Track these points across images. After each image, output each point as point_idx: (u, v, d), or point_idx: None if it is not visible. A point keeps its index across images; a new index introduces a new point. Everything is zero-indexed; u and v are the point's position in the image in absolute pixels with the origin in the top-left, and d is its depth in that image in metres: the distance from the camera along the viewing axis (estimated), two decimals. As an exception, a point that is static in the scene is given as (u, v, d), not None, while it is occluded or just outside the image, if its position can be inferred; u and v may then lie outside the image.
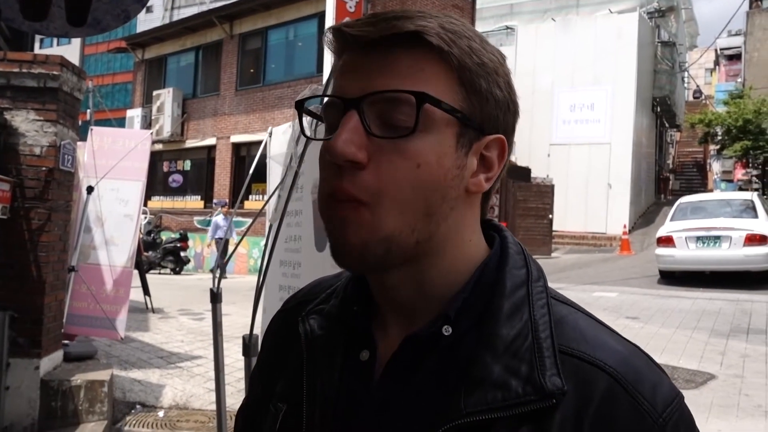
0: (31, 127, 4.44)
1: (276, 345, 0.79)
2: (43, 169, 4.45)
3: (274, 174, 2.67)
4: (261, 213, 2.40)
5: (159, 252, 14.88)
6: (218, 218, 14.20)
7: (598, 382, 0.57)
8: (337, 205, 0.59)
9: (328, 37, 0.65)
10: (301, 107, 0.67)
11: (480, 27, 22.03)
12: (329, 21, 12.25)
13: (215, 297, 2.51)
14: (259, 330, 2.03)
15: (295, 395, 0.68)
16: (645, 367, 0.60)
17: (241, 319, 6.88)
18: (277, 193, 2.20)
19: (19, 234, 4.40)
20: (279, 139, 2.68)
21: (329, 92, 0.64)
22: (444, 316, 0.63)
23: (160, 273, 14.64)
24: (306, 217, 2.13)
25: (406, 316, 0.66)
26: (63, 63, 4.50)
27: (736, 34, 36.10)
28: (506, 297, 0.62)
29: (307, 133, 0.71)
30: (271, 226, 2.26)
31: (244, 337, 1.99)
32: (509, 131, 0.67)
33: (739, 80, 32.26)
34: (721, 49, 39.24)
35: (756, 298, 9.62)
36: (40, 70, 4.38)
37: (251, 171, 3.16)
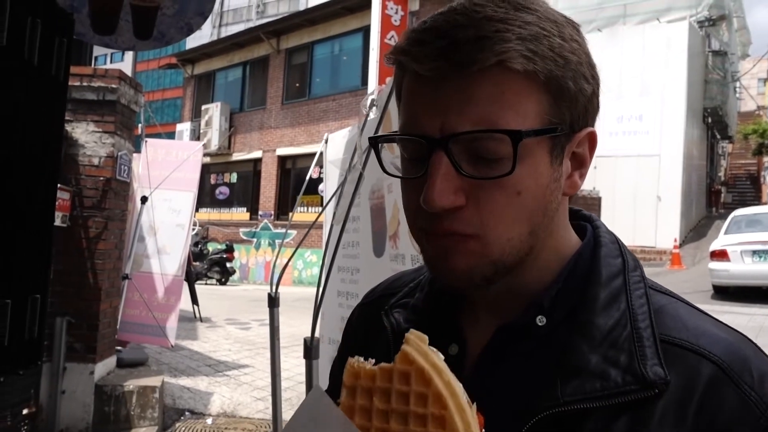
0: (90, 139, 4.60)
1: (358, 336, 0.81)
2: (101, 179, 4.60)
3: (331, 179, 2.69)
4: (317, 222, 2.42)
5: (205, 263, 15.14)
6: None
7: (701, 371, 0.56)
8: (435, 237, 0.60)
9: (394, 54, 0.62)
10: (375, 143, 0.67)
11: (524, 39, 21.87)
12: (374, 34, 12.36)
13: (273, 301, 2.53)
14: (318, 334, 2.04)
15: None
16: (753, 356, 0.58)
17: (288, 329, 6.94)
18: (335, 198, 2.21)
19: (77, 242, 4.55)
20: (336, 144, 2.70)
21: (397, 120, 0.64)
22: (537, 305, 0.64)
23: (206, 283, 14.89)
24: (364, 223, 2.14)
25: (497, 311, 0.67)
26: (121, 77, 4.66)
27: (792, 42, 34.97)
28: (602, 286, 0.62)
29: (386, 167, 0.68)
30: (330, 232, 2.27)
31: (305, 340, 2.00)
32: (596, 116, 0.67)
33: (795, 89, 31.13)
34: (775, 57, 38.01)
35: (818, 315, 9.20)
36: (99, 84, 4.55)
37: (307, 179, 3.19)
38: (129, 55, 30.94)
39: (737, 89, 31.44)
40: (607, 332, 0.59)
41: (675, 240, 18.86)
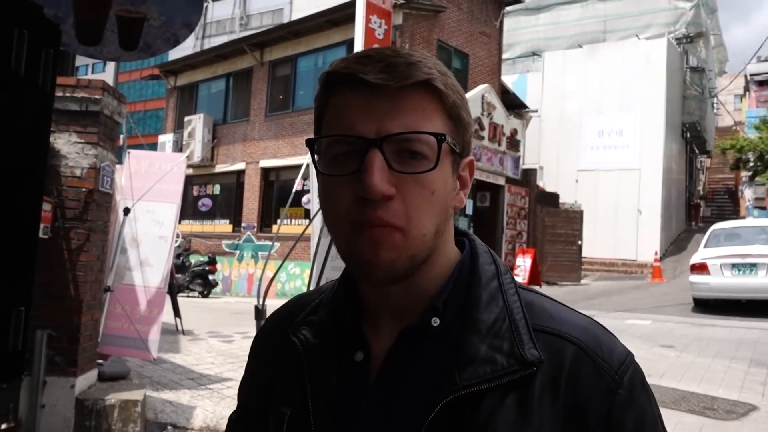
0: (72, 149, 4.56)
1: (268, 357, 0.85)
2: (83, 190, 4.55)
3: (318, 191, 2.70)
4: (304, 234, 2.41)
5: (188, 275, 15.01)
6: None
7: (566, 351, 0.69)
8: (368, 230, 0.67)
9: (335, 75, 0.71)
10: (312, 145, 0.74)
11: (507, 54, 22.15)
12: (358, 48, 12.42)
13: (260, 314, 2.52)
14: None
15: (297, 398, 0.75)
16: (601, 335, 0.72)
17: (271, 341, 6.85)
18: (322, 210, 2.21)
19: (58, 254, 4.49)
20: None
21: (330, 128, 0.72)
22: (433, 308, 0.73)
23: (188, 296, 14.75)
24: (352, 235, 2.14)
25: (396, 316, 0.75)
26: (105, 87, 4.63)
27: (766, 60, 35.70)
28: (483, 288, 0.74)
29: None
30: (318, 244, 2.27)
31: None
32: (471, 149, 0.79)
33: (770, 106, 31.76)
34: (751, 75, 38.81)
35: (795, 327, 9.34)
36: (82, 94, 4.51)
37: (293, 192, 3.18)
38: (111, 66, 30.74)
39: (715, 105, 32.03)
40: (491, 325, 0.70)
41: (656, 253, 19.07)
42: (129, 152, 6.07)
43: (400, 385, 0.71)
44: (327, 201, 0.72)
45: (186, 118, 19.46)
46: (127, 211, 5.76)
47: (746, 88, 41.92)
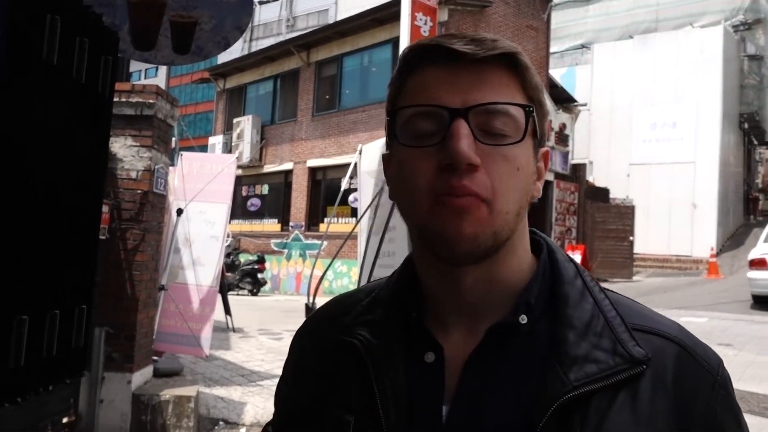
0: (128, 153, 4.71)
1: (316, 361, 0.78)
2: (139, 192, 4.70)
3: (366, 190, 2.71)
4: (353, 232, 2.43)
5: (237, 274, 15.28)
6: None
7: (667, 349, 0.67)
8: (452, 199, 0.64)
9: (419, 50, 0.70)
10: (395, 112, 0.71)
11: (555, 46, 21.77)
12: (404, 45, 12.39)
13: (310, 311, 2.55)
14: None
15: (362, 404, 0.70)
16: (693, 336, 0.71)
17: (320, 339, 6.93)
18: (371, 209, 2.22)
19: (115, 254, 4.64)
20: (371, 155, 2.71)
21: (408, 101, 0.70)
22: (525, 304, 0.70)
23: (238, 294, 15.02)
24: (400, 233, 2.14)
25: (470, 313, 0.71)
26: (158, 92, 4.76)
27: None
28: (570, 285, 0.71)
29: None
30: (368, 243, 2.28)
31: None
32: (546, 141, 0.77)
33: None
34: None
35: None
36: (137, 99, 4.65)
37: (341, 191, 3.20)
38: (162, 70, 31.59)
39: (775, 94, 30.66)
40: (587, 323, 0.67)
41: (712, 249, 18.42)
42: (181, 154, 6.23)
43: (492, 387, 0.67)
44: (405, 174, 0.68)
45: (235, 120, 19.82)
46: (180, 211, 5.91)
47: (809, 76, 40.03)
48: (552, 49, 20.01)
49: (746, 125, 25.16)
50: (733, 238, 22.06)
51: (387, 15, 15.17)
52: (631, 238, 17.45)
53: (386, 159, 0.77)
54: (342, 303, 0.83)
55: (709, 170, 20.25)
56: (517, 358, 0.68)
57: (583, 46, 24.46)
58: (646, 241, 19.17)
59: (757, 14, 23.26)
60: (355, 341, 0.73)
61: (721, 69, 20.53)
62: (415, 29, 12.96)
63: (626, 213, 17.94)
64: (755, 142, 29.03)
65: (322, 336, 0.79)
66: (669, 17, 22.82)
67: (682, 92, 20.45)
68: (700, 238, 19.60)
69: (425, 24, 13.13)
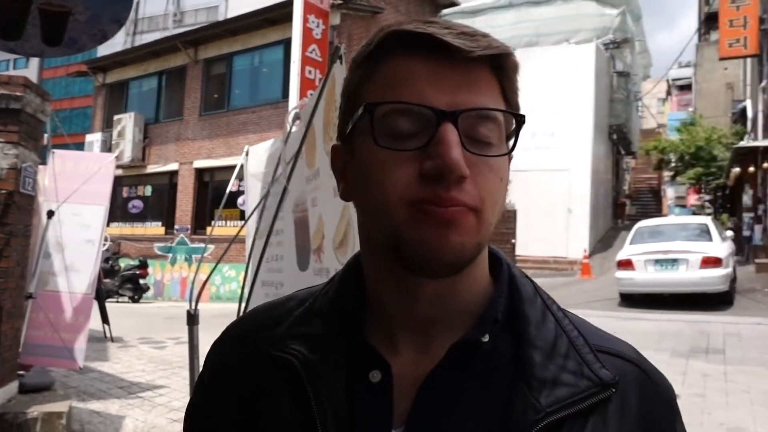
0: (-10, 150, 4.32)
1: (239, 378, 0.69)
2: (3, 192, 4.32)
3: (252, 192, 2.65)
4: (238, 236, 2.37)
5: (117, 279, 14.50)
6: None
7: (629, 372, 0.64)
8: (440, 210, 0.58)
9: (400, 36, 0.62)
10: (373, 110, 0.62)
11: (442, 55, 22.39)
12: (296, 47, 12.30)
13: (192, 318, 2.45)
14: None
15: (297, 425, 0.62)
16: (644, 357, 0.69)
17: (207, 346, 6.72)
18: (257, 212, 2.18)
19: (-25, 260, 4.24)
20: (258, 157, 2.66)
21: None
22: (492, 320, 0.64)
23: (117, 301, 14.26)
24: (288, 237, 2.11)
25: (423, 332, 0.65)
26: (26, 84, 4.41)
27: (687, 66, 37.60)
28: (530, 303, 0.66)
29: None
30: (253, 246, 2.22)
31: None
32: None
33: (690, 109, 33.55)
34: (672, 80, 40.76)
35: (713, 318, 9.89)
36: (2, 91, 4.28)
37: (227, 193, 3.11)
38: (34, 62, 29.31)
39: (639, 108, 33.45)
40: (552, 344, 0.63)
41: (585, 250, 19.74)
42: (53, 152, 5.80)
43: (452, 409, 0.61)
44: (375, 177, 0.61)
45: (115, 117, 18.79)
46: (51, 213, 5.50)
47: (668, 92, 44.00)
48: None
49: (615, 136, 27.22)
50: (603, 241, 23.76)
51: (279, 15, 15.00)
52: (513, 240, 18.32)
53: (338, 153, 0.69)
54: (271, 312, 0.73)
55: (582, 177, 21.72)
56: (480, 378, 0.62)
57: (469, 57, 25.39)
58: (527, 243, 20.20)
59: (625, 34, 25.27)
60: (290, 357, 0.64)
61: (593, 83, 22.10)
62: (307, 31, 12.90)
63: (509, 217, 18.80)
64: (623, 152, 31.46)
65: (247, 349, 0.69)
66: (548, 33, 24.26)
67: (560, 104, 21.78)
68: (575, 240, 20.96)
69: (317, 27, 13.10)
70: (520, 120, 0.63)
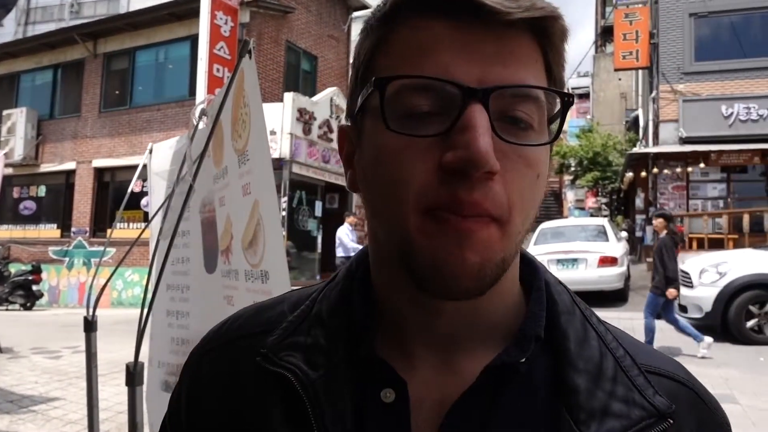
0: None
1: (220, 394, 0.59)
2: None
3: (157, 192, 2.52)
4: (140, 238, 2.24)
5: (7, 286, 13.55)
6: (343, 231, 11.07)
7: (682, 396, 0.56)
8: (459, 220, 0.47)
9: None
10: (384, 84, 0.51)
11: (354, 58, 22.59)
12: (203, 44, 11.97)
13: (90, 325, 2.30)
14: (146, 359, 1.88)
15: None
16: (693, 376, 0.60)
17: (107, 354, 6.39)
18: (161, 212, 2.07)
19: None
20: (163, 155, 2.54)
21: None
22: (533, 338, 0.54)
23: (7, 309, 13.31)
24: (194, 238, 2.02)
25: (446, 348, 0.55)
26: None
27: (585, 75, 39.77)
28: (569, 315, 0.57)
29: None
30: (157, 248, 2.11)
31: (128, 365, 1.82)
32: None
33: (588, 117, 35.48)
34: (572, 89, 42.98)
35: (609, 314, 10.46)
36: None
37: (128, 193, 2.96)
38: None
39: (542, 115, 34.96)
40: (598, 365, 0.54)
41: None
42: (-70, 148, 5.32)
43: None
44: (386, 171, 0.51)
45: (5, 112, 17.52)
46: (-73, 214, 5.04)
47: (568, 101, 46.35)
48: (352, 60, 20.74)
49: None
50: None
51: (185, 10, 14.54)
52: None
53: (345, 135, 0.59)
54: (258, 316, 0.63)
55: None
56: (516, 405, 0.53)
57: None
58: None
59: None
60: (286, 372, 0.55)
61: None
62: (215, 28, 12.59)
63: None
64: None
65: (231, 360, 0.60)
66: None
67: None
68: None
69: (226, 23, 12.81)
70: (568, 100, 0.52)
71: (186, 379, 0.64)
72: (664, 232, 7.60)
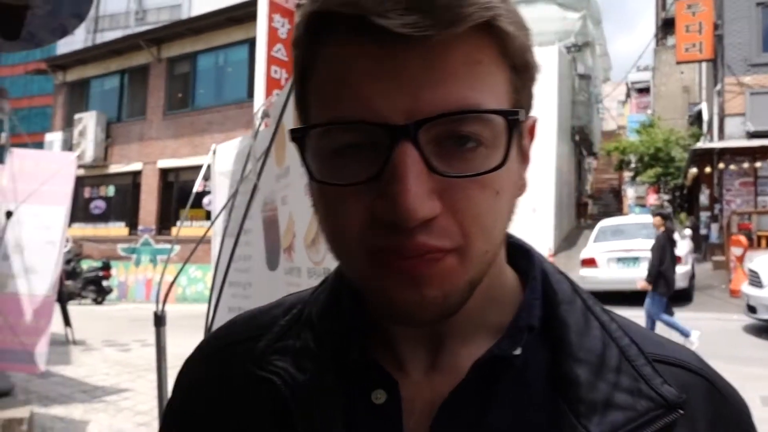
0: (-54, 148, 4.20)
1: (213, 401, 0.58)
2: (-41, 192, 4.20)
3: (220, 192, 2.63)
4: (206, 236, 2.35)
5: (79, 281, 14.19)
6: None
7: (695, 386, 0.52)
8: (403, 262, 0.45)
9: (327, 18, 0.45)
10: (302, 136, 0.48)
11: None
12: (261, 47, 12.20)
13: (159, 320, 2.43)
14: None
15: None
16: (711, 366, 0.57)
17: (175, 348, 6.65)
18: (225, 211, 2.17)
19: (-70, 262, 4.11)
20: (226, 155, 2.64)
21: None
22: (527, 328, 0.52)
23: (80, 304, 13.95)
24: (256, 236, 2.11)
25: (436, 347, 0.54)
26: (-17, 81, 4.29)
27: (645, 69, 38.49)
28: (569, 305, 0.54)
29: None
30: (222, 246, 2.21)
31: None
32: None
33: (648, 111, 34.37)
34: (632, 83, 41.68)
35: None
36: (-43, 89, 4.16)
37: (193, 193, 3.09)
38: (-11, 59, 28.45)
39: (600, 110, 34.15)
40: (600, 356, 0.51)
41: (550, 249, 20.06)
42: (12, 150, 5.66)
43: None
44: (327, 217, 0.48)
45: (76, 116, 18.37)
46: (9, 214, 5.36)
47: (627, 95, 44.99)
48: None
49: (577, 137, 27.73)
50: (566, 240, 24.16)
51: (243, 14, 14.86)
52: (479, 240, 18.55)
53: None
54: (252, 321, 0.62)
55: (547, 177, 22.08)
56: (511, 400, 0.51)
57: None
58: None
59: (586, 38, 25.80)
60: (273, 377, 0.54)
61: (556, 85, 22.47)
62: (272, 30, 12.82)
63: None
64: (584, 153, 32.07)
65: (224, 366, 0.59)
66: (512, 35, 24.63)
67: (524, 105, 22.09)
68: (540, 239, 21.26)
69: (283, 26, 13.03)
70: (512, 120, 0.46)
71: (178, 390, 0.63)
72: (662, 229, 7.80)
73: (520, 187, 0.52)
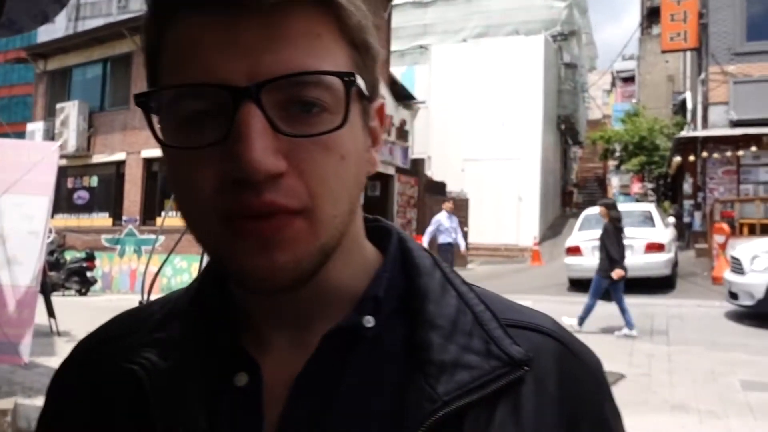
0: (-76, 137, 4.13)
1: (85, 399, 0.57)
2: (-61, 182, 4.14)
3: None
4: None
5: (63, 273, 14.06)
6: (441, 217, 11.84)
7: (546, 347, 0.54)
8: (250, 223, 0.46)
9: None
10: (146, 102, 0.50)
11: (395, 45, 22.52)
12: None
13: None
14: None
15: None
16: (567, 330, 0.60)
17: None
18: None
19: None
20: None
21: (177, 72, 0.48)
22: (372, 299, 0.54)
23: (64, 295, 13.83)
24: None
25: (297, 326, 0.55)
26: (-38, 69, 4.22)
27: (630, 58, 38.68)
28: (428, 276, 0.56)
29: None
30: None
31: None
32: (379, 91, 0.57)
33: (633, 100, 34.59)
34: (617, 72, 41.88)
35: (656, 301, 10.28)
36: (-65, 76, 4.09)
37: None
38: (-32, 47, 27.95)
39: (586, 99, 34.30)
40: (453, 321, 0.53)
41: (535, 238, 20.19)
42: (-8, 140, 5.58)
43: (332, 409, 0.51)
44: (177, 183, 0.50)
45: (58, 106, 18.12)
46: (-9, 204, 5.29)
47: (613, 84, 45.22)
48: (393, 48, 20.70)
49: (563, 126, 27.86)
50: (551, 228, 24.34)
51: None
52: (465, 228, 18.58)
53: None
54: (129, 318, 0.62)
55: (532, 166, 22.20)
56: (365, 371, 0.52)
57: (421, 47, 25.55)
58: (479, 231, 20.53)
59: (572, 26, 25.85)
60: (136, 367, 0.53)
61: (542, 74, 22.57)
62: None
63: (461, 205, 19.05)
64: (570, 142, 32.24)
65: (97, 366, 0.58)
66: (499, 24, 24.64)
67: (510, 94, 22.15)
68: (525, 228, 21.42)
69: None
70: (348, 80, 0.48)
71: (49, 398, 0.62)
72: (606, 219, 8.15)
73: (370, 164, 0.55)
